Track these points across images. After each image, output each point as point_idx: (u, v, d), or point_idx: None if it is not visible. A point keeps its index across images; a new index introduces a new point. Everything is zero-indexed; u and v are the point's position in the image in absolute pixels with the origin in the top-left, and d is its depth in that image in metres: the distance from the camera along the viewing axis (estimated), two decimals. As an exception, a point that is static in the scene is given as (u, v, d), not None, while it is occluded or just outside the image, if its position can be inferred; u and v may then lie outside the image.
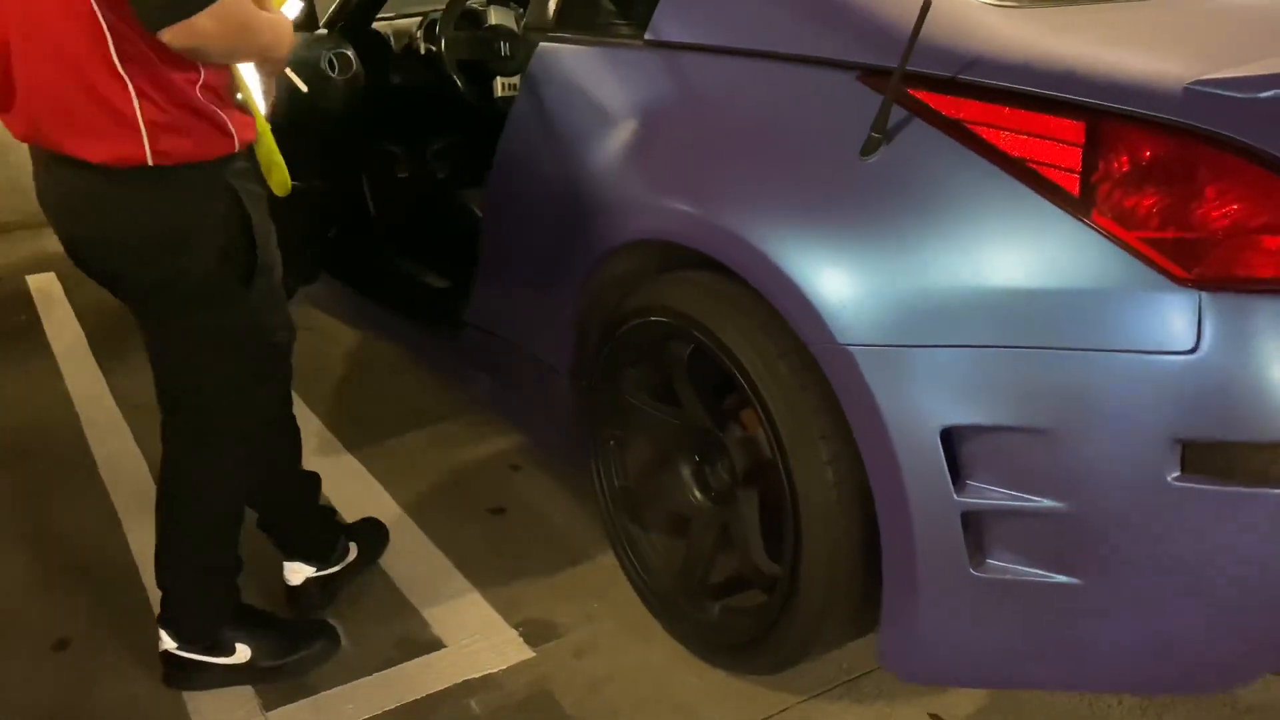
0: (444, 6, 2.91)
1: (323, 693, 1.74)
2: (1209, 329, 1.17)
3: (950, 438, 1.32)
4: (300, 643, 1.81)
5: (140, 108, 1.41)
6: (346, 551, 2.02)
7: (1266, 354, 1.16)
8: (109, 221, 1.51)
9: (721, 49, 1.66)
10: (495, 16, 3.01)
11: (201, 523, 1.73)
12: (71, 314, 3.64)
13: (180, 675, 1.75)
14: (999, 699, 1.67)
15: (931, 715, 1.66)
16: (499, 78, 2.96)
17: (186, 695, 1.74)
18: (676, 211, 1.63)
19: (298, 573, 1.96)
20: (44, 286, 3.94)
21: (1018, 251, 1.29)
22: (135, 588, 2.04)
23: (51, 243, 4.61)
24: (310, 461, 2.42)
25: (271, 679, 1.76)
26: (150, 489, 2.36)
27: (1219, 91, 1.23)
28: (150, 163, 1.44)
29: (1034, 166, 1.29)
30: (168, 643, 1.73)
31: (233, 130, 1.51)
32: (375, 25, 3.15)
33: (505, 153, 2.07)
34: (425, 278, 2.79)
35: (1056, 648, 1.35)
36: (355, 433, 2.66)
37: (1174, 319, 1.19)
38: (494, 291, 2.21)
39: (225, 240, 1.55)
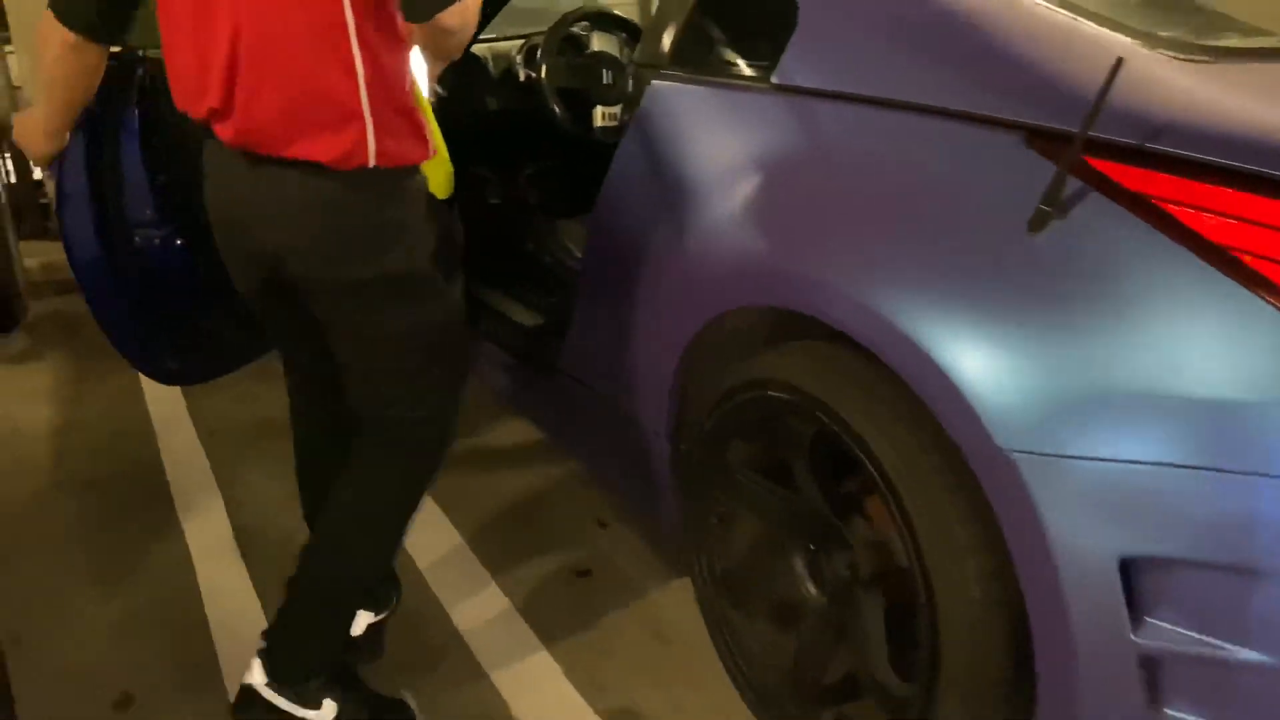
0: (545, 31, 2.79)
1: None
2: None
3: (1131, 568, 1.13)
4: (380, 717, 1.68)
5: (369, 105, 1.39)
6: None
7: None
8: (333, 223, 1.45)
9: (862, 98, 1.49)
10: (598, 43, 2.88)
11: (373, 545, 1.65)
12: (156, 329, 3.60)
13: (256, 714, 1.60)
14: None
15: None
16: (599, 107, 2.83)
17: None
18: (804, 278, 1.46)
19: (359, 619, 1.82)
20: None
21: (1219, 355, 1.10)
22: (204, 643, 1.94)
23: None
24: None
25: None
26: (225, 529, 2.30)
27: None
28: (371, 164, 1.41)
29: (1239, 255, 1.10)
30: (257, 677, 1.61)
31: (428, 135, 1.50)
32: (473, 48, 3.04)
33: (610, 195, 1.93)
34: (515, 313, 2.66)
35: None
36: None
37: None
38: (589, 340, 2.06)
39: (434, 240, 1.55)
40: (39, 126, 1.70)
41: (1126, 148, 1.20)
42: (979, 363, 1.23)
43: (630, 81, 1.96)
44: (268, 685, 1.60)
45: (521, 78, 3.01)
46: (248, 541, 2.27)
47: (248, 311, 2.20)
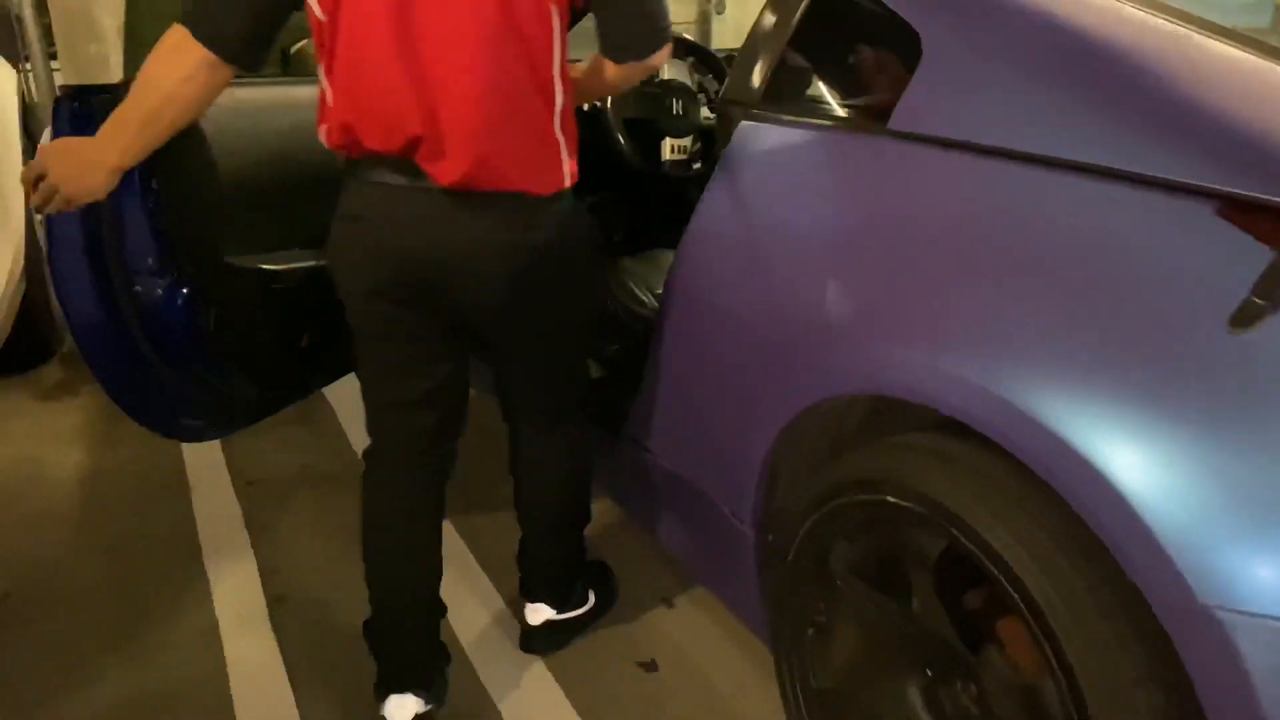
0: None
1: None
2: None
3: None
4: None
5: (561, 130, 1.52)
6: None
7: None
8: (544, 243, 1.53)
9: (1004, 152, 1.25)
10: (668, 70, 2.67)
11: (581, 501, 1.94)
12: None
13: (564, 637, 1.98)
14: None
15: None
16: (668, 139, 2.62)
17: None
18: (935, 368, 1.22)
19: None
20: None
21: None
22: (226, 730, 1.74)
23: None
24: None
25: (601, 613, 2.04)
26: (257, 598, 2.11)
27: None
28: (566, 185, 1.54)
29: None
30: (546, 613, 1.96)
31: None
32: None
33: (691, 250, 1.70)
34: None
35: None
36: (483, 537, 2.33)
37: None
38: (661, 411, 1.84)
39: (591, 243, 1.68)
40: (110, 158, 1.46)
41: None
42: (1171, 491, 0.99)
43: (712, 117, 1.75)
44: (560, 612, 1.97)
45: (585, 106, 2.81)
46: (281, 613, 2.07)
47: (261, 365, 2.02)
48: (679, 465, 1.82)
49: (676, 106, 2.59)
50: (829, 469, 1.42)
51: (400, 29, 1.38)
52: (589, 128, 2.68)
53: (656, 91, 2.55)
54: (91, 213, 1.70)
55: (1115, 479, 1.01)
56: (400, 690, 1.70)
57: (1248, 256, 1.01)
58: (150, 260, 1.81)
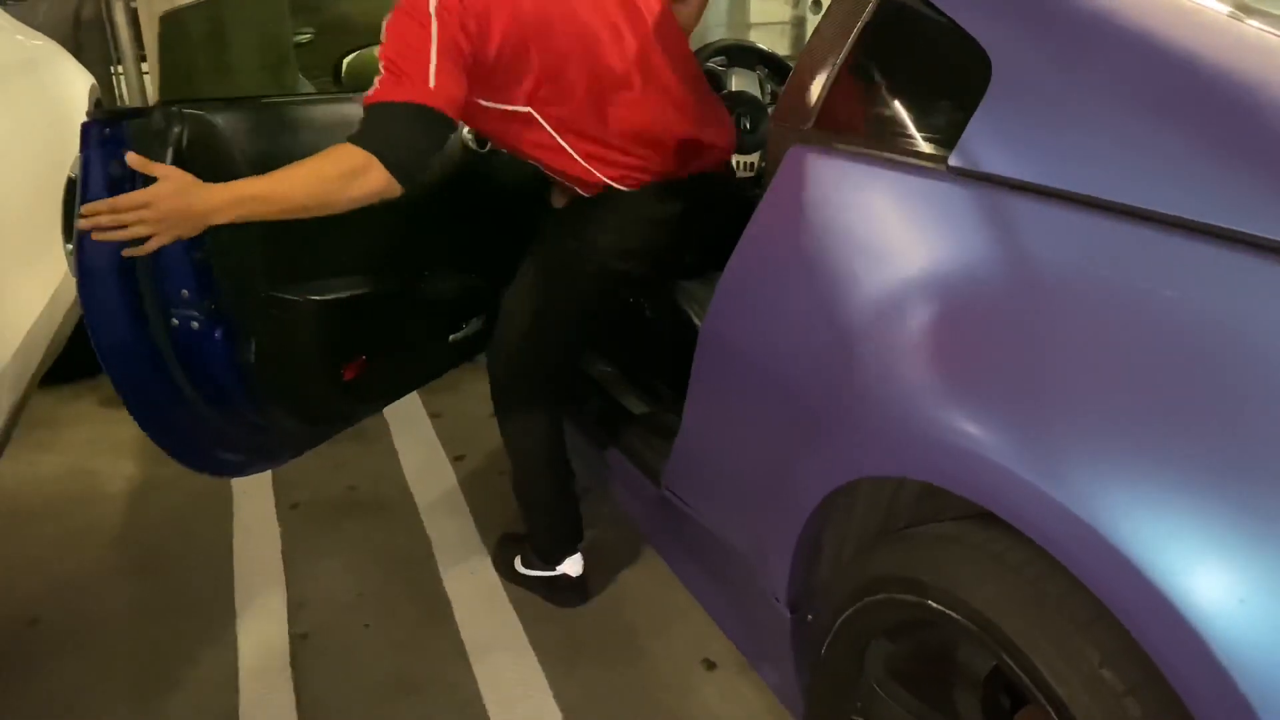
0: None
1: None
2: None
3: None
4: None
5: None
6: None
7: None
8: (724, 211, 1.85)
9: (1081, 199, 1.05)
10: (737, 81, 2.49)
11: (522, 485, 2.13)
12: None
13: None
14: None
15: None
16: (736, 155, 2.44)
17: None
18: (974, 454, 1.03)
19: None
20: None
21: None
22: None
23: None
24: (470, 625, 2.12)
25: None
26: (282, 639, 2.02)
27: None
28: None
29: None
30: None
31: None
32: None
33: (732, 287, 1.53)
34: (624, 396, 2.29)
35: None
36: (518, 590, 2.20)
37: None
38: (697, 461, 1.68)
39: None
40: (215, 219, 1.46)
41: None
42: (1253, 620, 0.78)
43: (768, 139, 1.58)
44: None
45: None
46: (304, 653, 1.98)
47: (304, 398, 1.92)
48: (715, 524, 1.65)
49: (745, 121, 2.41)
50: (869, 557, 1.23)
51: (631, 64, 1.76)
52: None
53: (726, 105, 2.37)
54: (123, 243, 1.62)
55: (1191, 613, 0.81)
56: (575, 549, 2.09)
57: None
58: (188, 291, 1.73)
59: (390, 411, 3.05)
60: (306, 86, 3.36)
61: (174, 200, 1.43)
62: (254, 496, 2.58)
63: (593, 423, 2.22)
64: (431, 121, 1.49)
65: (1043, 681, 0.95)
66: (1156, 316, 0.96)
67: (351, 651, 1.99)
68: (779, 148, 1.50)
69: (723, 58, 2.48)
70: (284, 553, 2.33)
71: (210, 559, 2.30)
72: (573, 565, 2.08)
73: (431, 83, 1.47)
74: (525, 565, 2.14)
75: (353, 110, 1.56)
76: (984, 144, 1.16)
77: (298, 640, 2.02)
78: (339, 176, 1.46)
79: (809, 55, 1.50)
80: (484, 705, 1.84)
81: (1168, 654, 0.85)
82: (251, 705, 1.84)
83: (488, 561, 2.27)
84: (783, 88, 2.41)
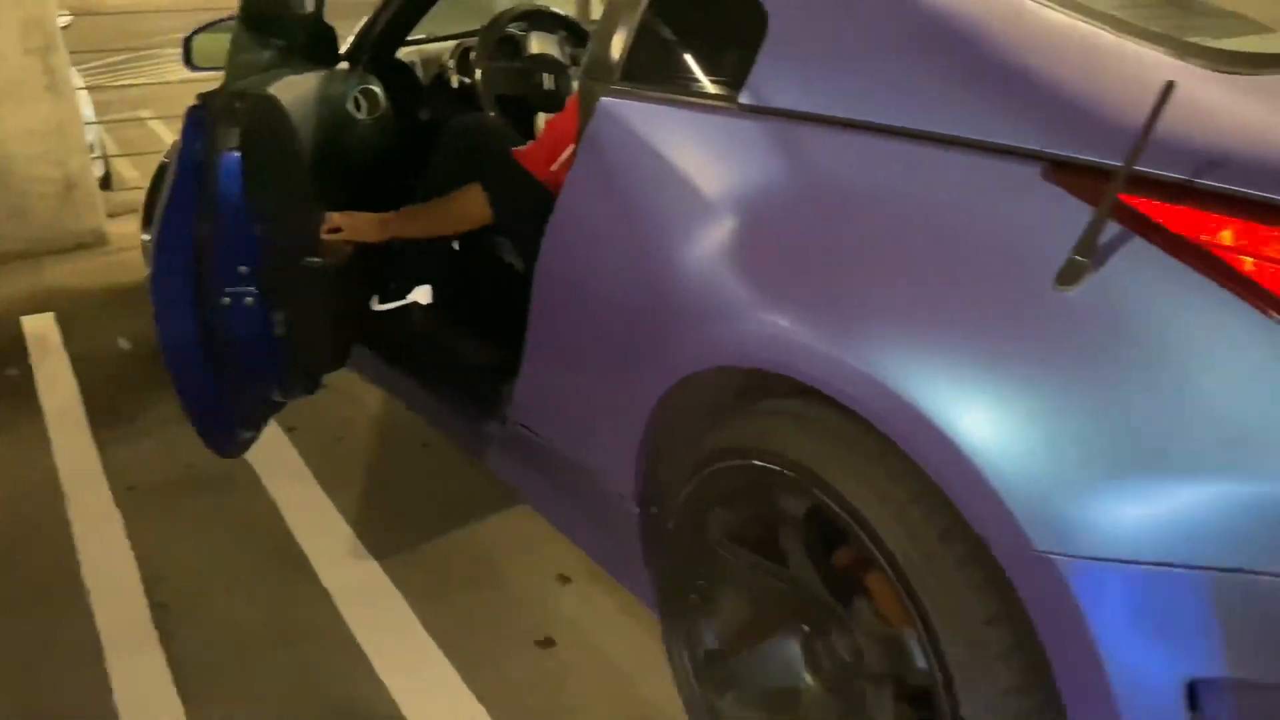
0: (479, 32, 2.56)
1: None
2: None
3: (1201, 692, 0.96)
4: None
5: None
6: None
7: None
8: None
9: (849, 122, 1.29)
10: (537, 45, 2.65)
11: None
12: (68, 365, 3.30)
13: None
14: None
15: None
16: (541, 114, 2.61)
17: None
18: (788, 336, 1.26)
19: None
20: (40, 332, 3.61)
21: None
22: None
23: (52, 277, 4.34)
24: (332, 575, 2.11)
25: None
26: (142, 611, 2.05)
27: None
28: None
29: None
30: None
31: None
32: (400, 52, 2.79)
33: (559, 228, 1.71)
34: (463, 349, 2.43)
35: None
36: (380, 532, 2.30)
37: None
38: (543, 392, 1.85)
39: None
40: (379, 237, 2.17)
41: (1173, 184, 1.02)
42: (1005, 443, 1.04)
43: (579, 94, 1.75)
44: None
45: (455, 84, 2.77)
46: (168, 623, 2.02)
47: (317, 359, 2.11)
48: (564, 445, 1.83)
49: (548, 81, 2.57)
50: (703, 439, 1.44)
51: None
52: (463, 106, 2.66)
53: (526, 66, 2.54)
54: (195, 242, 1.76)
55: (957, 437, 1.06)
56: None
57: (1072, 217, 1.05)
58: (243, 269, 1.83)
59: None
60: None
61: (352, 223, 2.15)
62: (84, 484, 2.55)
63: (433, 379, 2.35)
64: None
65: (850, 508, 1.19)
66: (915, 214, 1.20)
67: (217, 613, 2.05)
68: (589, 101, 1.68)
69: (523, 23, 2.63)
70: (129, 534, 2.33)
71: (51, 547, 2.28)
72: None
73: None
74: None
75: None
76: (767, 83, 1.38)
77: (158, 609, 2.06)
78: (468, 219, 2.09)
79: (610, 16, 1.69)
80: (359, 645, 1.95)
81: (942, 470, 1.09)
82: (123, 673, 1.88)
83: (340, 518, 2.36)
84: (585, 48, 2.60)
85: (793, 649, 1.42)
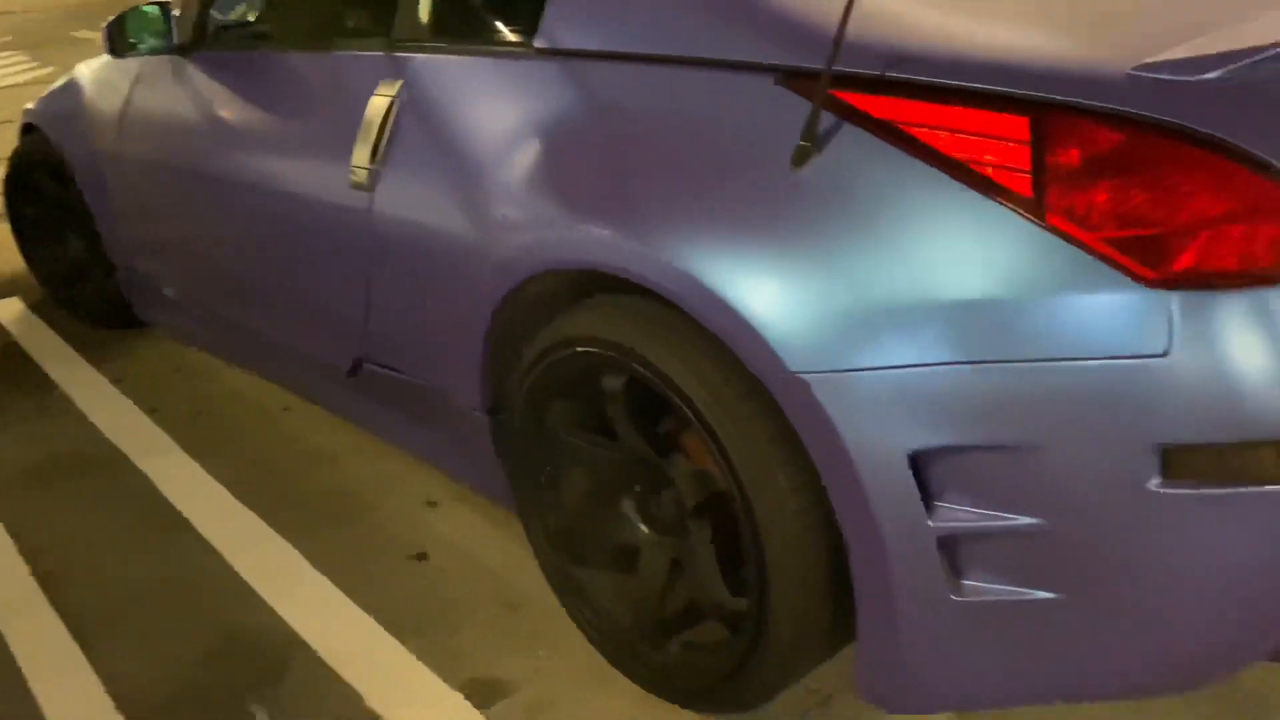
0: None
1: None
2: (1180, 330, 1.12)
3: (919, 461, 1.25)
4: None
5: None
6: None
7: (1240, 351, 1.11)
8: None
9: (623, 55, 1.54)
10: None
11: None
12: None
13: None
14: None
15: (907, 729, 1.61)
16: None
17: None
18: (594, 237, 1.50)
19: None
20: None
21: (970, 261, 1.21)
22: (25, 700, 1.82)
23: None
24: (212, 529, 2.24)
25: None
26: (27, 580, 2.14)
27: (1163, 76, 1.18)
28: None
29: (979, 168, 1.22)
30: None
31: None
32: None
33: (389, 180, 1.90)
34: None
35: (1045, 664, 1.30)
36: (253, 487, 2.45)
37: (1143, 322, 1.13)
38: (391, 330, 2.04)
39: None
40: None
41: (871, 79, 1.30)
42: (765, 297, 1.31)
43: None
44: None
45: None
46: (55, 587, 2.13)
47: None
48: (414, 373, 2.03)
49: None
50: (535, 340, 1.67)
51: None
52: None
53: None
54: None
55: (731, 299, 1.32)
56: None
57: (801, 115, 1.32)
58: None
59: (68, 384, 3.10)
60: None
61: None
62: None
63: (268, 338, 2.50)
64: None
65: (664, 378, 1.44)
66: (683, 128, 1.46)
67: (104, 572, 2.17)
68: (402, 63, 1.88)
69: None
70: (1, 517, 2.40)
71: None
72: None
73: None
74: None
75: None
76: (554, 29, 1.62)
77: (44, 578, 2.16)
78: None
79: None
80: (247, 582, 2.10)
81: (727, 329, 1.35)
82: (20, 635, 1.99)
83: (212, 480, 2.49)
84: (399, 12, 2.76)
85: (628, 507, 1.68)
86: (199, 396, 2.98)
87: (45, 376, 3.20)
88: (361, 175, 1.94)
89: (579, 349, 1.57)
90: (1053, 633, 1.27)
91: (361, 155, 1.93)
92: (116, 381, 3.12)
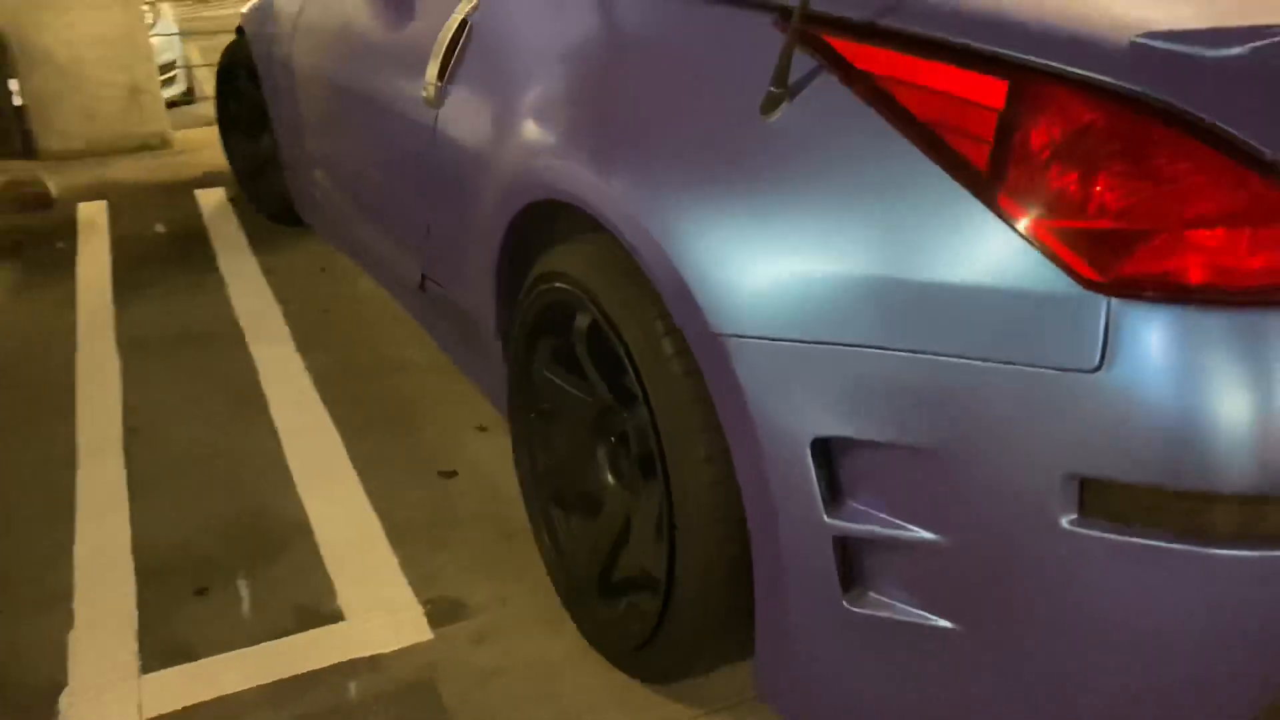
0: None
1: (203, 659, 1.66)
2: (1118, 345, 0.94)
3: (826, 450, 1.13)
4: None
5: None
6: None
7: (1186, 379, 0.92)
8: None
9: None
10: None
11: None
12: (107, 243, 3.67)
13: None
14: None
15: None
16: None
17: (69, 652, 1.68)
18: (562, 165, 1.46)
19: None
20: (91, 216, 4.00)
21: (913, 238, 1.07)
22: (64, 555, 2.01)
23: (113, 172, 4.77)
24: (283, 415, 2.39)
25: None
26: (116, 430, 2.36)
27: (1172, 47, 0.99)
28: None
29: (943, 134, 1.07)
30: None
31: None
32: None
33: (451, 94, 1.92)
34: None
35: (936, 700, 1.15)
36: (334, 383, 2.58)
37: (1077, 329, 0.96)
38: (442, 249, 2.07)
39: None
40: None
41: (861, 25, 1.17)
42: (700, 247, 1.22)
43: None
44: None
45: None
46: (134, 445, 2.32)
47: None
48: (453, 291, 2.05)
49: None
50: (532, 270, 1.65)
51: None
52: None
53: None
54: None
55: (666, 243, 1.24)
56: None
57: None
58: None
59: (227, 269, 3.38)
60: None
61: None
62: (96, 335, 2.89)
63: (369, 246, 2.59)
64: None
65: (613, 325, 1.38)
66: (685, 67, 1.37)
67: (175, 438, 2.35)
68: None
69: None
70: (122, 373, 2.66)
71: (57, 378, 2.62)
72: None
73: None
74: None
75: None
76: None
77: (129, 432, 2.37)
78: None
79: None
80: (289, 468, 2.22)
81: (662, 280, 1.27)
82: (88, 474, 2.20)
83: (305, 373, 2.64)
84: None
85: (601, 455, 1.63)
86: (330, 296, 3.16)
87: (213, 259, 3.50)
88: (430, 91, 1.96)
89: (556, 284, 1.52)
90: (947, 667, 1.12)
91: (432, 72, 1.96)
92: (268, 273, 3.37)
